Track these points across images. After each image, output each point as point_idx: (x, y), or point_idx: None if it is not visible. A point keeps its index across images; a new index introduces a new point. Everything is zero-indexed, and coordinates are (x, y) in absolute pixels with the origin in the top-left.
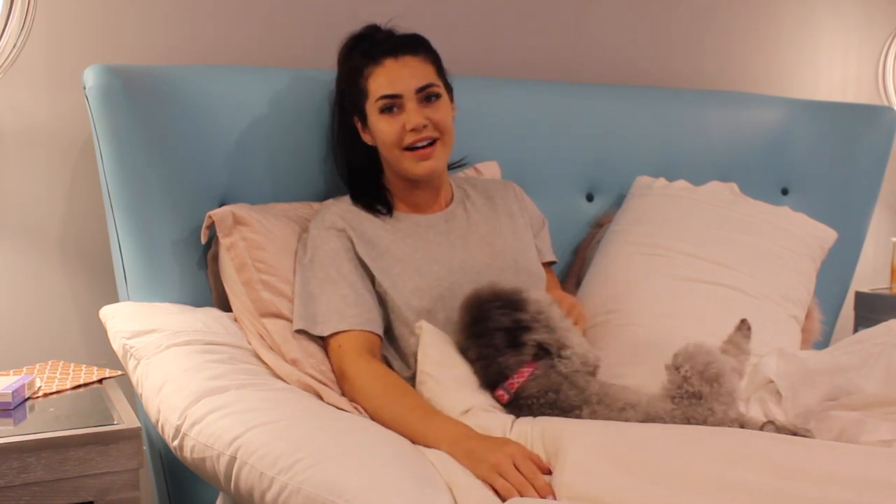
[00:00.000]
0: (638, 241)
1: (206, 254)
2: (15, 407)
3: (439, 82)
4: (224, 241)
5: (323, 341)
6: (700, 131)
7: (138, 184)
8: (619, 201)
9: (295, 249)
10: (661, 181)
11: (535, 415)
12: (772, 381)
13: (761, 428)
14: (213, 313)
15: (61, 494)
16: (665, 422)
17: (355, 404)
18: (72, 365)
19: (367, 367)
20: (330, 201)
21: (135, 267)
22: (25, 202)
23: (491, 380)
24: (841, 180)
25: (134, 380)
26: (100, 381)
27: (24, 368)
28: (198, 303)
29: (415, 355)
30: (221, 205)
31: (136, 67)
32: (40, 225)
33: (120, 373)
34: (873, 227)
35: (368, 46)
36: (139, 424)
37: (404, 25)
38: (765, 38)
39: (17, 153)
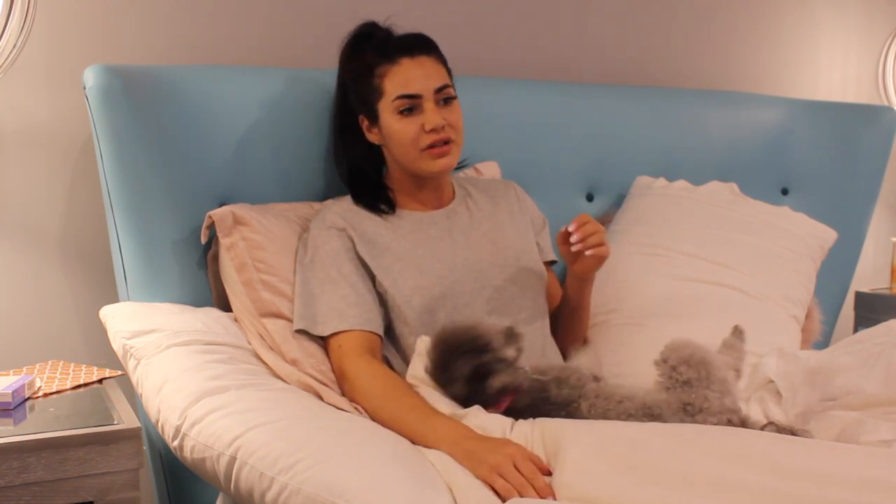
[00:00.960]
0: (638, 241)
1: (206, 254)
2: (15, 407)
3: (451, 84)
4: (224, 241)
5: (323, 341)
6: (700, 131)
7: (138, 184)
8: (619, 201)
9: (295, 249)
10: (661, 181)
11: (534, 415)
12: (772, 381)
13: (762, 429)
14: (213, 313)
15: (61, 494)
16: (662, 410)
17: (355, 404)
18: (72, 365)
19: (368, 367)
20: (330, 201)
21: (135, 267)
22: (25, 202)
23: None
24: (841, 180)
25: (134, 380)
26: (100, 381)
27: (24, 368)
28: (198, 303)
29: None
30: (221, 205)
31: (136, 67)
32: (40, 225)
33: (120, 373)
34: (873, 227)
35: (380, 44)
36: (139, 424)
37: (404, 25)
38: (765, 38)
39: (17, 153)
